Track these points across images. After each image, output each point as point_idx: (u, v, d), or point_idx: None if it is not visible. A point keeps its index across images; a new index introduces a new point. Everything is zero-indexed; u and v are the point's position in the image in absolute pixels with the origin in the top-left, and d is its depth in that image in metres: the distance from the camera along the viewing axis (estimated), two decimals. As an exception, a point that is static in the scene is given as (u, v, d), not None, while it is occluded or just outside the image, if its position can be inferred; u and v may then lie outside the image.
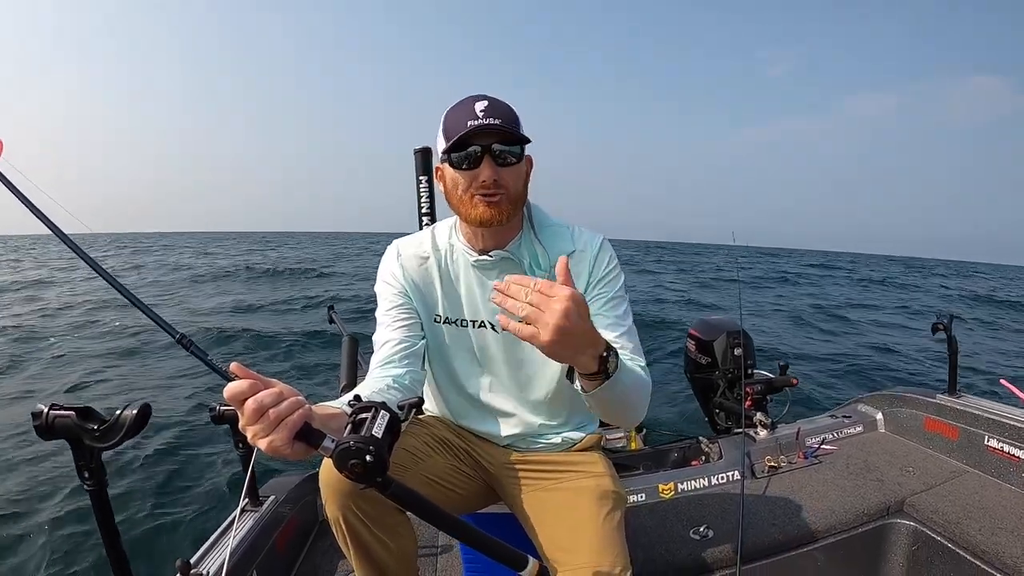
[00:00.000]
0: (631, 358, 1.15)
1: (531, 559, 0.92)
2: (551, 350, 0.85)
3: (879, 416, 2.50)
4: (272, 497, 1.75)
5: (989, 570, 1.57)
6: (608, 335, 1.14)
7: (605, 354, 0.93)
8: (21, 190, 1.08)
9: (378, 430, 0.74)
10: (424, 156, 2.29)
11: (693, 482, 2.11)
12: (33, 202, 1.07)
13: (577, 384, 0.98)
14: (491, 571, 0.95)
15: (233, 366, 0.76)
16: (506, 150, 1.13)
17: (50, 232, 1.09)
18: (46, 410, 0.86)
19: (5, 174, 1.09)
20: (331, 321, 2.84)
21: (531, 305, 0.83)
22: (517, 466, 1.35)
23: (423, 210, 2.32)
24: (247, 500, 1.67)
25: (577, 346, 0.88)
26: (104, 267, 1.10)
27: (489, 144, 1.12)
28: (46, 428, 0.86)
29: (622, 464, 2.33)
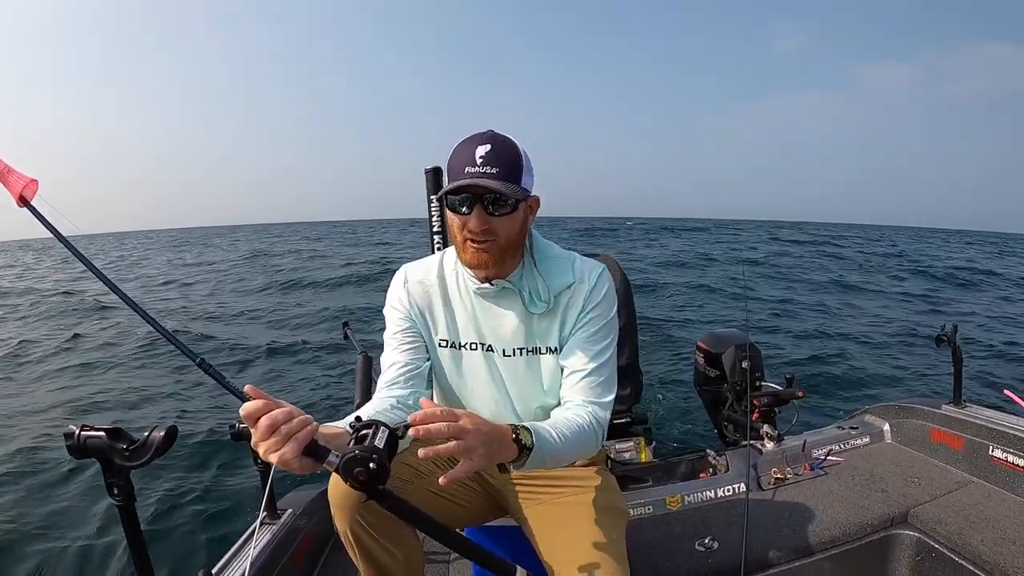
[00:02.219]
0: (591, 394, 1.26)
1: (519, 569, 0.97)
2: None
3: (886, 427, 2.51)
4: (289, 511, 1.81)
5: None
6: (579, 365, 1.26)
7: (515, 436, 1.01)
8: (53, 224, 1.16)
9: (380, 442, 0.82)
10: (435, 176, 2.30)
11: (699, 494, 2.13)
12: (62, 232, 1.15)
13: (512, 470, 1.06)
14: None
15: (247, 388, 0.84)
16: (498, 201, 1.15)
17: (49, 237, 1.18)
18: (78, 431, 0.90)
19: (41, 211, 1.16)
20: (346, 337, 2.89)
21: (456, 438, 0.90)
22: (520, 481, 1.40)
23: (434, 228, 2.36)
24: (265, 513, 1.73)
25: (496, 450, 0.98)
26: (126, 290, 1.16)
27: (481, 194, 1.14)
28: (78, 448, 0.90)
29: (632, 476, 2.36)
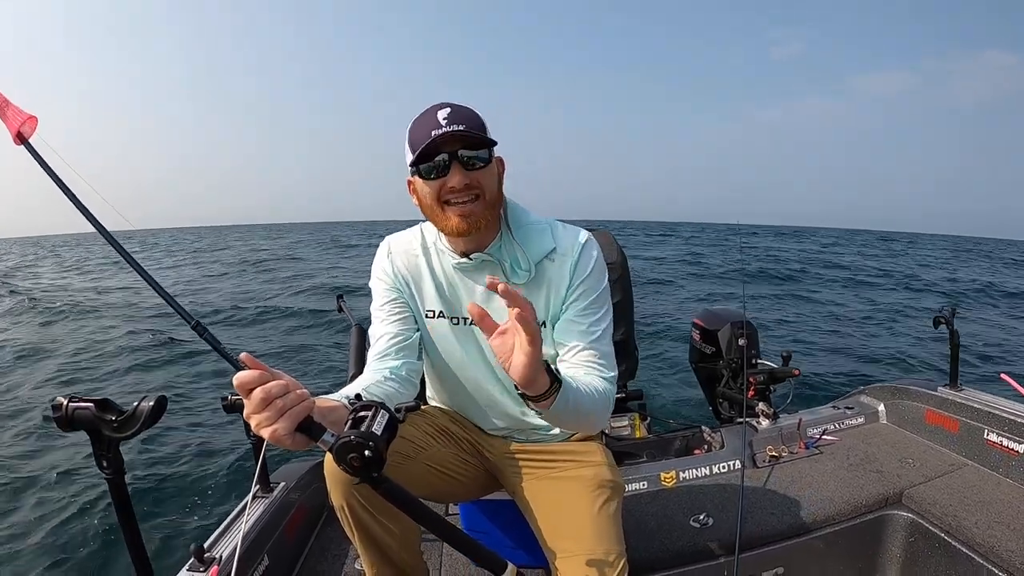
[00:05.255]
0: (594, 368, 1.20)
1: (509, 564, 0.96)
2: (533, 363, 0.89)
3: (881, 408, 2.51)
4: (282, 484, 1.80)
5: (983, 563, 1.59)
6: (576, 341, 1.21)
7: (545, 364, 0.95)
8: (58, 173, 1.06)
9: (378, 428, 0.78)
10: None
11: (695, 471, 2.13)
12: (69, 186, 1.05)
13: (531, 407, 1.01)
14: None
15: (243, 356, 0.80)
16: (473, 155, 1.13)
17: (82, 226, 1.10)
18: (66, 402, 0.88)
19: (42, 155, 1.07)
20: (340, 310, 2.86)
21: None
22: (517, 455, 1.39)
23: None
24: (258, 487, 1.71)
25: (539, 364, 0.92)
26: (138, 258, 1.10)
27: (455, 150, 1.11)
28: (66, 420, 0.88)
29: (626, 452, 2.36)
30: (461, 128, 1.09)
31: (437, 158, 1.12)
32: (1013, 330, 9.16)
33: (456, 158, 1.12)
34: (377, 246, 1.38)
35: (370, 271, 1.37)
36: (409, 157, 1.14)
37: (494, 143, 1.16)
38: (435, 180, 1.14)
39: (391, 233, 1.38)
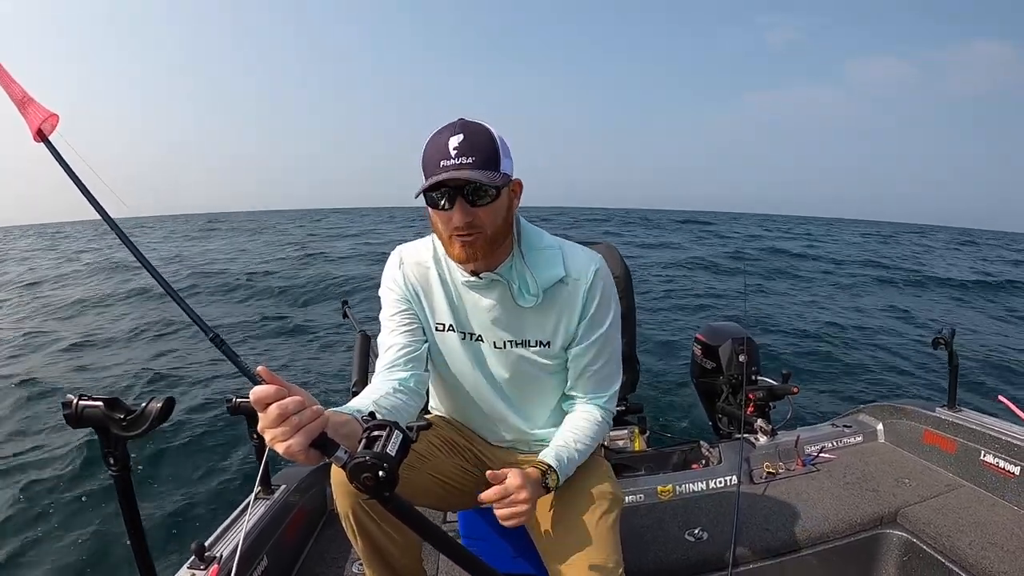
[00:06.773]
0: (595, 396, 1.35)
1: None
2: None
3: (879, 427, 2.51)
4: (284, 486, 1.82)
5: None
6: (582, 363, 1.32)
7: (545, 483, 1.18)
8: (74, 170, 1.07)
9: (392, 448, 0.78)
10: None
11: (691, 485, 2.15)
12: (85, 183, 1.06)
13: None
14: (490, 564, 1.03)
15: (260, 369, 0.80)
16: (481, 189, 1.11)
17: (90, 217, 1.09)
18: (75, 400, 0.90)
19: (61, 153, 1.08)
20: (344, 316, 2.88)
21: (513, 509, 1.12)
22: (519, 466, 1.41)
23: None
24: (260, 488, 1.74)
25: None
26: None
27: (461, 187, 1.10)
28: (75, 417, 0.90)
29: (625, 464, 2.37)
30: (469, 162, 1.08)
31: (441, 190, 1.11)
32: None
33: (461, 194, 1.11)
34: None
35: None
36: (421, 180, 1.13)
37: (505, 181, 1.14)
38: (442, 212, 1.14)
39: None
